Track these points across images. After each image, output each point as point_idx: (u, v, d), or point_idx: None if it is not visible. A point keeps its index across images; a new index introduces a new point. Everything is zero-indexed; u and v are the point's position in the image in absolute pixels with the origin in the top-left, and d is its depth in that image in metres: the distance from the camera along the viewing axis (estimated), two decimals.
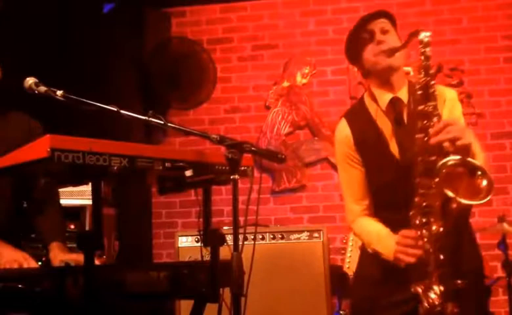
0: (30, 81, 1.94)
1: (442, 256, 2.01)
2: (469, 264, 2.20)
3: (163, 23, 5.02)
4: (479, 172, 1.94)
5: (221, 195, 4.51)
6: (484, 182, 1.93)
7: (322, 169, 4.83)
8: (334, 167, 4.40)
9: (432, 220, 2.02)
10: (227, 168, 1.87)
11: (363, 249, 2.40)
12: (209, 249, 1.98)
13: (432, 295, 2.02)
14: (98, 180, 1.74)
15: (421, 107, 2.07)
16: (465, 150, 1.97)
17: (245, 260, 1.82)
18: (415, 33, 2.09)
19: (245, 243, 1.86)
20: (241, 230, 1.83)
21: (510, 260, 3.69)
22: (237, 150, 1.84)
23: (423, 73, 2.08)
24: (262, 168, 4.70)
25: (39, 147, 1.62)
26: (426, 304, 2.02)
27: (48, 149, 1.58)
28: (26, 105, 2.38)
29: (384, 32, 2.25)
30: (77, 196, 3.69)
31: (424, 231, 2.04)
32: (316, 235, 3.48)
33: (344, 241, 3.99)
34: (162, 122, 1.91)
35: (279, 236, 3.50)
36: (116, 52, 4.61)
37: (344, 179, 2.37)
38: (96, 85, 3.71)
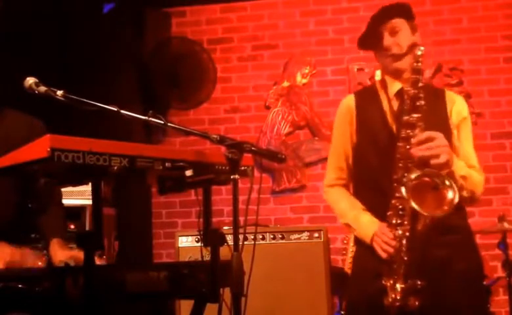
0: (30, 81, 1.94)
1: (405, 258, 2.10)
2: (467, 263, 2.22)
3: (163, 23, 5.02)
4: (446, 183, 2.01)
5: (221, 195, 4.50)
6: (450, 194, 2.00)
7: (322, 169, 4.81)
8: None
9: (406, 222, 2.10)
10: (227, 168, 1.87)
11: (358, 245, 2.42)
12: (209, 249, 1.97)
13: (397, 290, 2.09)
14: (98, 180, 1.74)
15: (406, 118, 2.17)
16: (440, 168, 2.07)
17: (245, 260, 1.83)
18: (413, 47, 2.20)
19: (245, 243, 1.86)
20: (241, 230, 1.83)
21: (510, 260, 3.69)
22: (237, 150, 1.84)
23: (411, 85, 2.16)
24: (262, 168, 4.70)
25: (39, 147, 1.62)
26: (389, 298, 2.11)
27: (48, 149, 1.58)
28: (26, 105, 2.38)
29: (394, 33, 2.28)
30: (77, 196, 3.69)
31: (396, 231, 2.13)
32: (316, 235, 3.47)
33: (345, 241, 3.99)
34: (162, 122, 1.91)
35: (279, 236, 3.49)
36: (116, 52, 4.61)
37: (334, 145, 2.47)
38: (96, 85, 3.71)
